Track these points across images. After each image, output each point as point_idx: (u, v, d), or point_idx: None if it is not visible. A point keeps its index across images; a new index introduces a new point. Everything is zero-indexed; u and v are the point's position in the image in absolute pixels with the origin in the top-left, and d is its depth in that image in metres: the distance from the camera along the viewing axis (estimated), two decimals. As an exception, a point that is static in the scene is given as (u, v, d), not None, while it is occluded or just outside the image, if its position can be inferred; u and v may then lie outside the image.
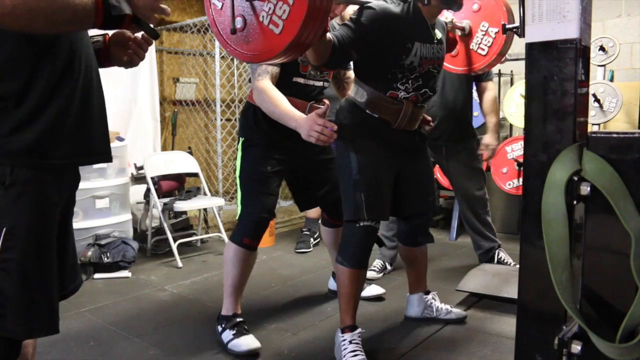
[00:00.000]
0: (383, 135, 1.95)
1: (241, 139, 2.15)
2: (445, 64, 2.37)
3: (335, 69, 2.21)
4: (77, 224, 3.09)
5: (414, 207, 2.14)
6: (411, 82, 1.94)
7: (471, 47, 2.37)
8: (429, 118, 2.17)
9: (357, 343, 1.93)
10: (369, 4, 1.85)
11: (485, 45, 2.33)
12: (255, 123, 2.09)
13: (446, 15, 2.14)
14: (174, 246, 3.38)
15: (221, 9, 1.28)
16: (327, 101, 2.17)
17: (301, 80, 2.09)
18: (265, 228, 2.13)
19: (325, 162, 2.27)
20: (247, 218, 2.09)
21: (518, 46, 4.23)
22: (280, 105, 1.90)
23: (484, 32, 2.32)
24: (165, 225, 3.49)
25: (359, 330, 1.96)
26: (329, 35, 1.71)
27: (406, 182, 2.08)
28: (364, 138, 1.95)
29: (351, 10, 2.11)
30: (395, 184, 2.03)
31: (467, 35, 2.35)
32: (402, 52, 1.89)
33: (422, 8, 1.93)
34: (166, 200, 3.59)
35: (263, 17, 1.19)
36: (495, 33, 2.29)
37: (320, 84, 2.17)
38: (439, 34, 2.02)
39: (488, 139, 2.97)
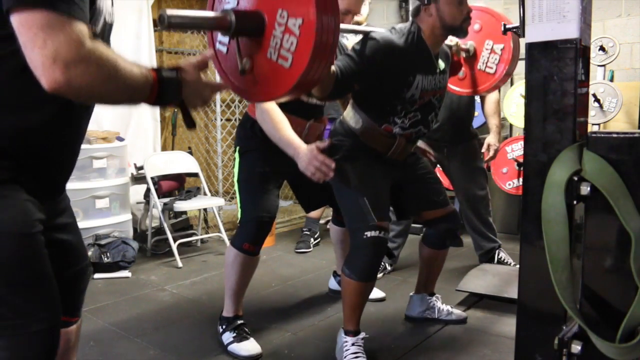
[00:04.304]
0: (376, 156, 1.99)
1: (237, 147, 2.15)
2: (452, 86, 2.37)
3: (336, 100, 2.19)
4: (77, 224, 3.08)
5: (422, 207, 2.14)
6: (409, 117, 1.95)
7: (478, 67, 2.32)
8: (431, 151, 2.20)
9: (359, 345, 1.92)
10: (372, 35, 1.84)
11: (493, 63, 2.28)
12: (253, 134, 2.07)
13: (450, 38, 2.13)
14: (174, 246, 3.38)
15: (227, 53, 1.26)
16: (326, 120, 2.16)
17: (304, 97, 2.09)
18: (267, 232, 2.08)
19: None
20: (247, 221, 2.05)
21: (518, 46, 4.20)
22: (281, 130, 1.90)
23: (489, 51, 2.28)
24: (165, 225, 3.49)
25: (362, 334, 1.95)
26: (332, 67, 1.70)
27: (409, 185, 2.09)
28: (358, 153, 1.97)
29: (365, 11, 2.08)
30: (399, 189, 2.05)
31: (472, 56, 2.32)
32: (403, 85, 1.89)
33: (426, 38, 1.92)
34: (166, 200, 3.59)
35: (271, 53, 1.15)
36: (501, 49, 2.25)
37: (320, 103, 2.16)
38: (442, 64, 2.02)
39: (491, 139, 2.98)
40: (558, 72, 0.97)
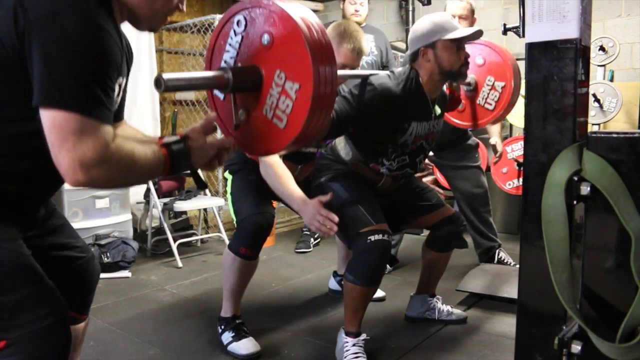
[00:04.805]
0: (365, 181, 2.03)
1: (228, 168, 2.16)
2: (451, 118, 2.38)
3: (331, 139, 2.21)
4: (77, 224, 3.09)
5: (418, 213, 2.17)
6: (397, 160, 1.99)
7: (478, 101, 2.32)
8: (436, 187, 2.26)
9: (360, 346, 1.92)
10: (370, 81, 1.85)
11: (492, 100, 2.27)
12: (243, 153, 2.08)
13: None
14: (174, 246, 3.38)
15: (224, 100, 1.25)
16: (315, 165, 2.17)
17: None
18: (264, 236, 2.04)
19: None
20: (243, 223, 2.02)
21: (518, 46, 4.22)
22: (285, 184, 1.91)
23: (490, 87, 2.27)
24: (165, 225, 3.49)
25: (363, 336, 1.95)
26: None
27: (399, 200, 2.13)
28: (347, 174, 2.01)
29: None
30: (390, 206, 2.07)
31: (473, 90, 2.31)
32: (397, 132, 1.92)
33: (424, 83, 1.94)
34: (166, 200, 3.59)
35: (266, 110, 1.14)
36: (502, 88, 2.25)
37: (314, 150, 2.20)
38: (438, 110, 2.04)
39: (495, 141, 3.07)
40: (558, 72, 0.97)
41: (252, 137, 1.21)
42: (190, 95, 4.79)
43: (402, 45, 4.66)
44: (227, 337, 2.08)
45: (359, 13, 3.41)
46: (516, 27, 2.22)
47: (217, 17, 3.89)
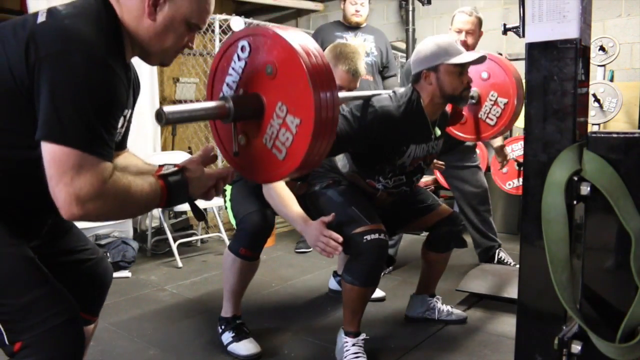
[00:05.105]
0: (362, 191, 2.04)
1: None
2: (454, 130, 2.39)
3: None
4: (78, 224, 3.08)
5: (415, 215, 2.18)
6: (394, 180, 2.01)
7: (479, 115, 2.31)
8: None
9: (359, 346, 1.92)
10: (372, 103, 1.86)
11: (494, 115, 2.27)
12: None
13: None
14: (174, 246, 3.38)
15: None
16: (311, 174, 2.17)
17: None
18: (264, 236, 2.03)
19: None
20: (242, 223, 2.01)
21: (518, 46, 4.23)
22: (288, 206, 1.91)
23: (492, 102, 2.27)
24: (165, 225, 3.49)
25: (362, 335, 1.95)
26: None
27: (394, 205, 2.13)
28: (343, 182, 2.02)
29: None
30: (384, 212, 2.06)
31: (476, 103, 2.31)
32: (395, 154, 1.94)
33: (425, 106, 1.94)
34: (166, 200, 3.58)
35: (266, 139, 1.14)
36: (504, 104, 2.24)
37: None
38: (438, 132, 2.04)
39: (499, 142, 3.09)
40: (558, 72, 0.97)
41: (251, 163, 1.20)
42: (190, 95, 4.79)
43: (402, 45, 4.66)
44: (227, 337, 2.08)
45: (360, 13, 3.40)
46: (516, 27, 2.22)
47: (217, 17, 3.89)
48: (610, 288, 0.94)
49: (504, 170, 3.42)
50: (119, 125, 1.14)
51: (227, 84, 1.19)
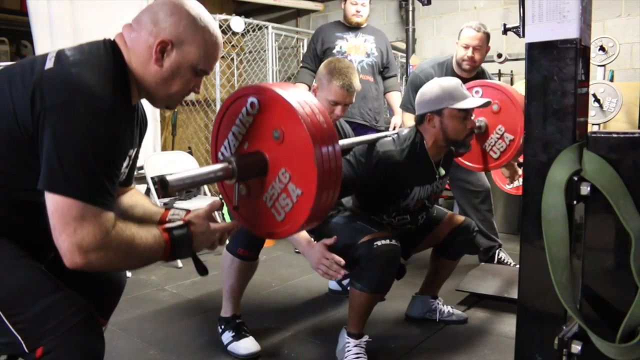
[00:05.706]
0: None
1: None
2: (461, 159, 2.38)
3: None
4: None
5: (425, 232, 2.17)
6: (398, 219, 2.01)
7: (484, 146, 2.30)
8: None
9: (361, 347, 1.92)
10: (375, 147, 1.86)
11: (498, 149, 2.26)
12: None
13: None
14: (174, 246, 3.37)
15: None
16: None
17: None
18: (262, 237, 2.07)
19: None
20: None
21: (518, 46, 4.23)
22: None
23: (499, 136, 2.25)
24: (165, 225, 3.48)
25: (365, 338, 1.94)
26: None
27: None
28: (343, 209, 2.04)
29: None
30: None
31: (484, 133, 2.29)
32: (399, 197, 1.94)
33: (429, 148, 1.94)
34: (166, 200, 3.58)
35: (267, 198, 1.14)
36: (510, 141, 2.23)
37: None
38: (442, 171, 2.04)
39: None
40: (558, 72, 0.97)
41: (252, 217, 1.21)
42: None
43: (402, 45, 4.66)
44: (227, 337, 2.08)
45: (360, 14, 3.40)
46: (516, 27, 2.21)
47: (217, 17, 3.88)
48: (610, 288, 0.94)
49: (514, 184, 3.37)
50: (124, 166, 1.15)
51: (233, 133, 1.19)
